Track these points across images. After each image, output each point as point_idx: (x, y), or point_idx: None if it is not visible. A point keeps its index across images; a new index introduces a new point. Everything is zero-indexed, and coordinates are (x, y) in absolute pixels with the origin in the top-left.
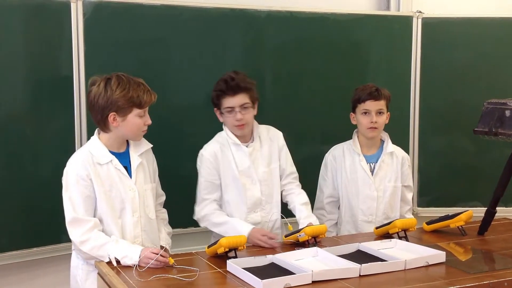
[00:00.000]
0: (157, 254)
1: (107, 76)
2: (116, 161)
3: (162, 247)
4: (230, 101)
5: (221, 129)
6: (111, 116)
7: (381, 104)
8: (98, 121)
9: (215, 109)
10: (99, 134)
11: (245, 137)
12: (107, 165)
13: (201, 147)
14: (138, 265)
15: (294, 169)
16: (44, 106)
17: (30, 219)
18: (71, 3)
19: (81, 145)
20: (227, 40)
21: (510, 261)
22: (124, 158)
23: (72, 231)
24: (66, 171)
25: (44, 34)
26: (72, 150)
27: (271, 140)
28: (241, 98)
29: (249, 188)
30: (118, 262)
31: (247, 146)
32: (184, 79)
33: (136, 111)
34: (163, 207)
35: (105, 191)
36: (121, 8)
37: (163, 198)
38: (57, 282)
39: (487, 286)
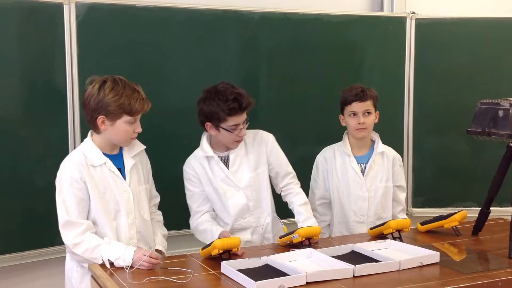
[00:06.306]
0: (151, 256)
1: (104, 78)
2: (110, 163)
3: (158, 251)
4: (238, 119)
5: None
6: (100, 119)
7: (368, 105)
8: (88, 121)
9: (209, 123)
10: (92, 135)
11: (223, 147)
12: (100, 167)
13: (195, 149)
14: (131, 267)
15: (290, 168)
16: (37, 108)
17: (24, 222)
18: (64, 5)
19: (75, 148)
20: (220, 42)
21: (504, 261)
22: (117, 160)
23: (65, 234)
24: (60, 173)
25: (37, 36)
26: (66, 153)
27: (258, 144)
28: (244, 115)
29: (231, 196)
30: (111, 264)
31: (228, 155)
32: (178, 81)
33: (126, 117)
34: (158, 208)
35: (99, 193)
36: (114, 10)
37: (158, 199)
38: (51, 285)
39: (481, 286)
